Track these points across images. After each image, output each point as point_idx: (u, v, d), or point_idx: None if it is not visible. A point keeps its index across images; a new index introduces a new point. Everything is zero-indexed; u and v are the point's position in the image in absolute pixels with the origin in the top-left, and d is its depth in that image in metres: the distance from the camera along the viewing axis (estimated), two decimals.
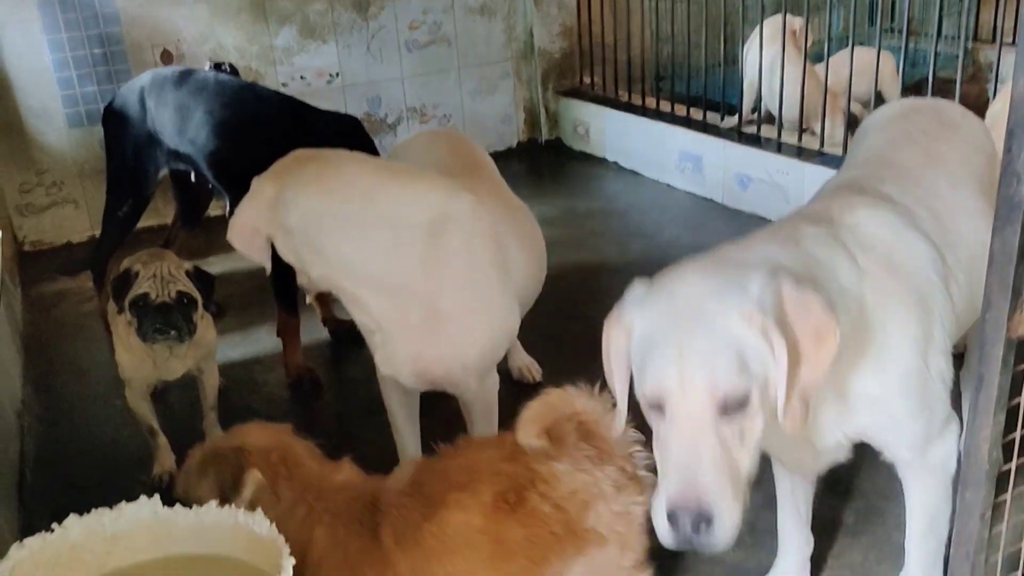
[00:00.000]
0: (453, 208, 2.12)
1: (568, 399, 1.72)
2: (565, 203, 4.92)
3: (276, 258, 3.16)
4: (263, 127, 3.12)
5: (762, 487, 2.25)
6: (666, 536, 1.44)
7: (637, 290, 1.55)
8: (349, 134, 3.13)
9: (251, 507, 1.70)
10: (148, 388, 2.79)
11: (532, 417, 1.69)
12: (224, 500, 1.73)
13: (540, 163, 5.71)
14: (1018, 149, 1.29)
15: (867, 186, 1.93)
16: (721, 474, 1.41)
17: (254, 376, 3.40)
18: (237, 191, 3.21)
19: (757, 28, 4.74)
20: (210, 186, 3.50)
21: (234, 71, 3.56)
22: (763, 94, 4.73)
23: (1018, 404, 1.46)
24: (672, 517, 1.41)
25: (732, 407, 1.42)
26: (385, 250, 2.08)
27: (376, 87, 5.38)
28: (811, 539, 2.17)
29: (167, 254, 2.88)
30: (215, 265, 4.24)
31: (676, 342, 1.42)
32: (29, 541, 1.62)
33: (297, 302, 3.26)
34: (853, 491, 2.48)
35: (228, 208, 3.33)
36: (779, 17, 4.51)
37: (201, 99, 3.23)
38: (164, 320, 2.58)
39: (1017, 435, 1.50)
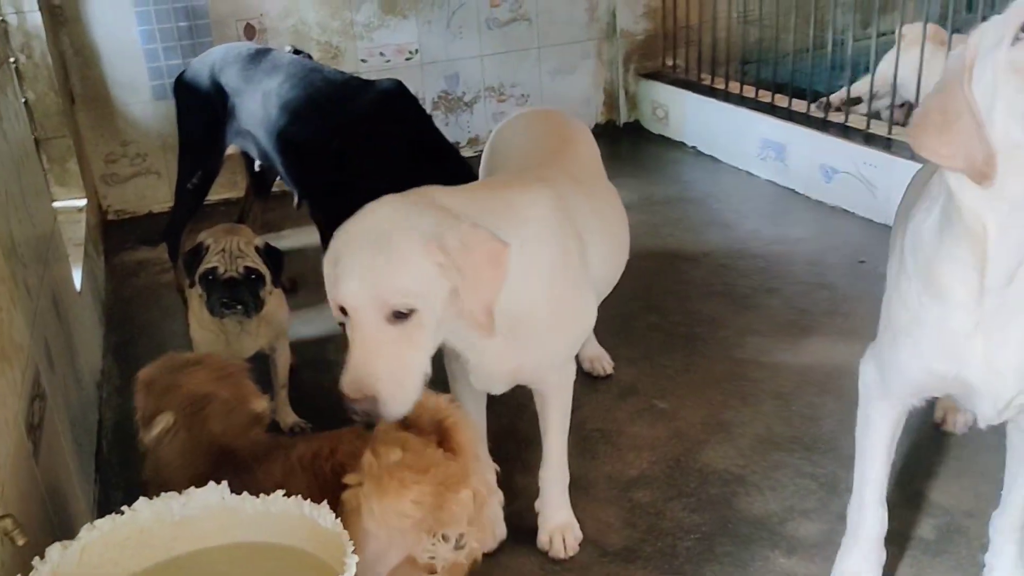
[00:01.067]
0: (532, 212, 2.06)
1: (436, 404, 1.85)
2: (642, 188, 4.83)
3: (331, 234, 3.18)
4: (324, 105, 3.10)
5: (832, 498, 2.22)
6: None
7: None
8: (396, 96, 3.09)
9: (156, 444, 1.98)
10: None
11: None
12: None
13: (619, 146, 5.61)
14: None
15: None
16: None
17: (327, 355, 3.40)
18: (297, 169, 3.23)
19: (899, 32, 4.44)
20: (267, 166, 3.50)
21: (309, 57, 3.56)
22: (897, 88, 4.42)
23: None
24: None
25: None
26: None
27: (455, 65, 5.35)
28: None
29: (242, 229, 2.90)
30: (289, 239, 4.29)
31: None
32: (100, 523, 1.64)
33: None
34: (934, 506, 2.38)
35: (296, 196, 3.33)
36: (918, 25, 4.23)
37: (273, 78, 3.23)
38: (231, 294, 2.60)
39: None
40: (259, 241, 2.71)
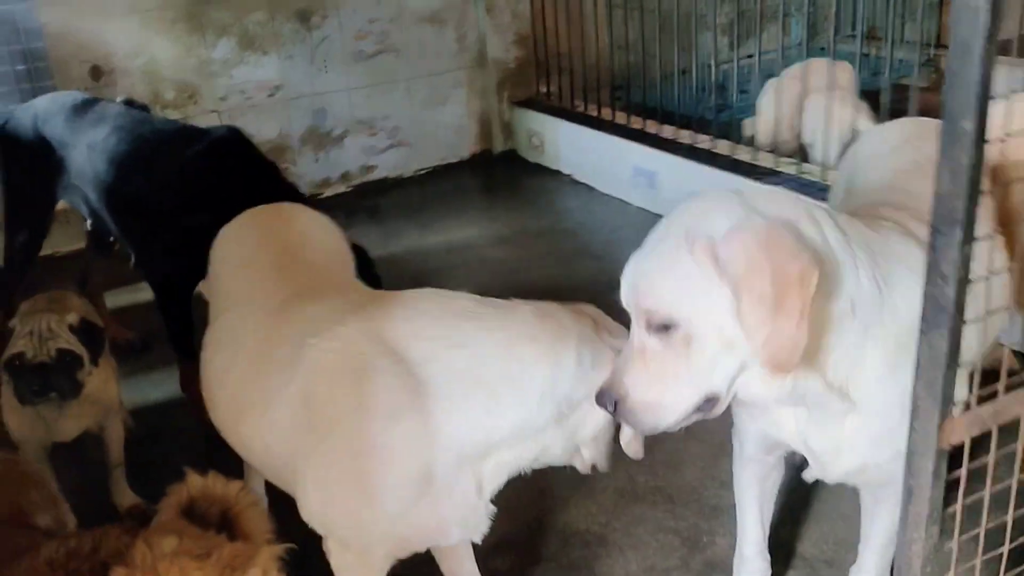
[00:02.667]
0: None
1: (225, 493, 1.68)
2: (517, 221, 4.75)
3: (173, 303, 2.96)
4: (152, 158, 2.90)
5: None
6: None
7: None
8: (229, 144, 2.90)
9: None
10: (44, 450, 2.59)
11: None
12: None
13: (493, 176, 5.53)
14: (943, 247, 1.12)
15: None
16: (638, 376, 1.55)
17: (177, 421, 3.18)
18: (128, 228, 3.01)
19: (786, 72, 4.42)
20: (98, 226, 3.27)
21: (145, 110, 3.34)
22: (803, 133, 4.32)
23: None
24: (600, 394, 1.61)
25: (656, 326, 1.51)
26: None
27: (322, 99, 5.17)
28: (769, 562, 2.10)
29: (62, 300, 2.67)
30: (144, 292, 4.04)
31: (636, 258, 1.58)
32: None
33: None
34: (796, 557, 2.33)
35: (131, 254, 3.10)
36: (818, 63, 4.22)
37: (98, 130, 3.01)
38: (42, 381, 2.38)
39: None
40: (73, 318, 2.48)
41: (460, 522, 1.77)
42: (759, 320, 1.41)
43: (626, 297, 1.58)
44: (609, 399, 1.58)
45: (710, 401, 1.55)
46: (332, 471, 1.74)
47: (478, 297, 1.83)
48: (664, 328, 1.50)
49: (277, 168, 3.05)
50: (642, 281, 1.54)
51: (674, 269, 1.49)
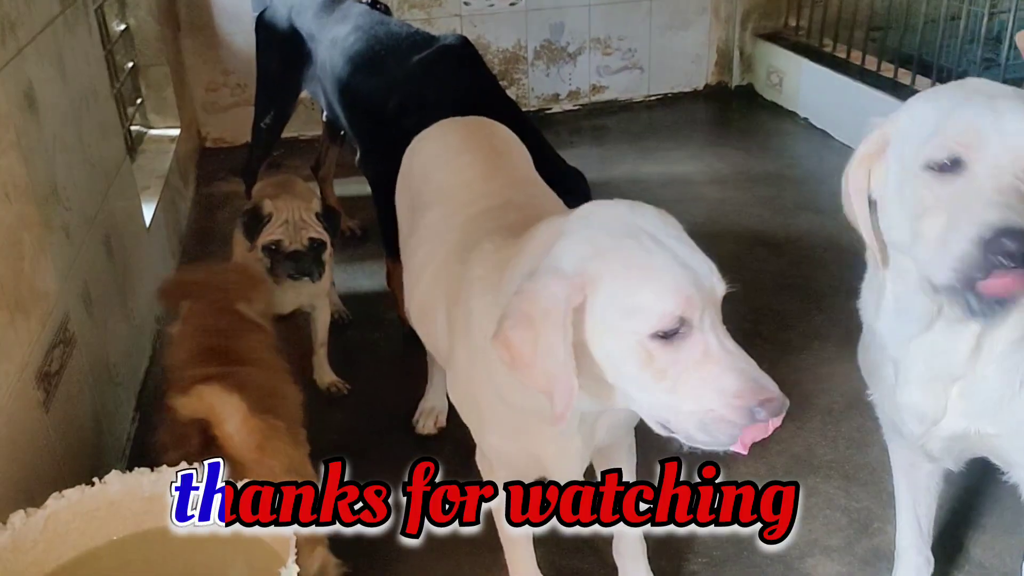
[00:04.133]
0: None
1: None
2: (742, 161, 4.57)
3: (388, 201, 3.08)
4: (384, 60, 3.00)
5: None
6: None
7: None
8: (455, 53, 2.95)
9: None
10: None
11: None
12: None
13: (726, 111, 5.33)
14: None
15: None
16: None
17: (383, 312, 3.36)
18: (357, 123, 3.15)
19: None
20: (332, 117, 3.44)
21: (387, 11, 3.46)
22: None
23: None
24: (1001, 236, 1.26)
25: None
26: None
27: (561, 13, 5.14)
28: (931, 560, 2.00)
29: (296, 186, 2.90)
30: (362, 184, 4.26)
31: (989, 98, 1.37)
32: (68, 492, 1.66)
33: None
34: (972, 563, 2.18)
35: (357, 149, 3.25)
36: None
37: (341, 28, 3.16)
38: (296, 267, 2.67)
39: None
40: (317, 205, 2.74)
41: (555, 462, 1.74)
42: None
43: (1008, 129, 1.34)
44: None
45: None
46: (453, 387, 1.85)
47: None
48: None
49: (497, 82, 3.08)
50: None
51: None
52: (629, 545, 2.06)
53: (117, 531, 1.71)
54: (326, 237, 2.72)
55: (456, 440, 2.60)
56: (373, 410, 2.88)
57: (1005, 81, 3.92)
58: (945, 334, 1.51)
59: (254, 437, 1.73)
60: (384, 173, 3.02)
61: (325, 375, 2.93)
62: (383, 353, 3.20)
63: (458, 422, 1.93)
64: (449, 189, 2.10)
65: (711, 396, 1.35)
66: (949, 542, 2.22)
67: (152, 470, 1.71)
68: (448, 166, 2.17)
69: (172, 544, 1.71)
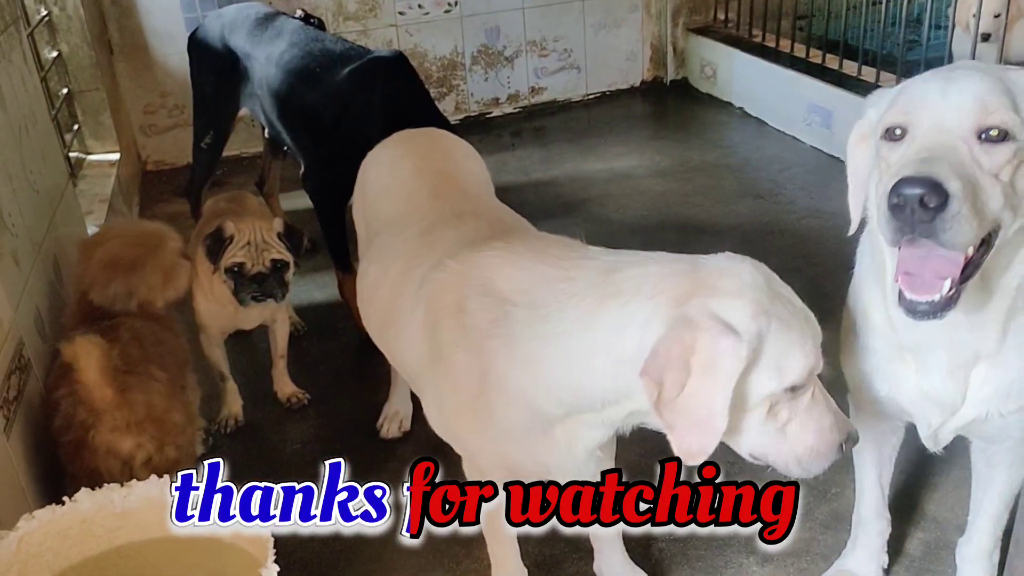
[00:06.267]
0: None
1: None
2: (681, 152, 4.67)
3: (330, 214, 3.11)
4: (319, 74, 3.03)
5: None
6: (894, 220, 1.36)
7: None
8: (387, 66, 2.97)
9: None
10: (223, 336, 2.84)
11: None
12: None
13: (663, 105, 5.44)
14: None
15: None
16: (959, 174, 1.33)
17: (337, 322, 3.38)
18: (297, 137, 3.17)
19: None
20: (273, 134, 3.46)
21: (321, 26, 3.49)
22: None
23: None
24: (899, 200, 1.32)
25: (991, 136, 1.37)
26: None
27: (495, 17, 5.21)
28: (890, 520, 2.06)
29: (247, 200, 2.91)
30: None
31: (944, 75, 1.43)
32: (39, 513, 1.66)
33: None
34: (927, 519, 2.27)
35: (301, 164, 3.27)
36: None
37: (275, 44, 3.18)
38: (260, 288, 2.65)
39: None
40: (278, 225, 2.71)
41: (557, 465, 1.74)
42: None
43: (952, 100, 1.41)
44: (921, 196, 1.34)
45: None
46: (439, 397, 1.81)
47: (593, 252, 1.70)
48: (997, 139, 1.41)
49: (429, 95, 3.10)
50: (981, 90, 1.41)
51: (1014, 86, 1.44)
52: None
53: (91, 549, 1.71)
54: (289, 257, 2.70)
55: (421, 442, 2.63)
56: (335, 418, 2.89)
57: (927, 60, 4.09)
58: (970, 316, 1.50)
59: (111, 385, 1.90)
60: (328, 184, 3.06)
61: (285, 386, 2.94)
62: (340, 362, 3.21)
63: (422, 425, 1.94)
64: (399, 217, 2.13)
65: (814, 436, 1.49)
66: (905, 501, 2.31)
67: (122, 485, 1.72)
68: (399, 194, 2.19)
69: (147, 558, 1.73)
